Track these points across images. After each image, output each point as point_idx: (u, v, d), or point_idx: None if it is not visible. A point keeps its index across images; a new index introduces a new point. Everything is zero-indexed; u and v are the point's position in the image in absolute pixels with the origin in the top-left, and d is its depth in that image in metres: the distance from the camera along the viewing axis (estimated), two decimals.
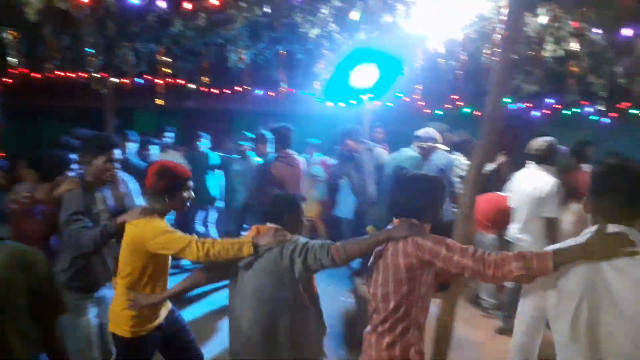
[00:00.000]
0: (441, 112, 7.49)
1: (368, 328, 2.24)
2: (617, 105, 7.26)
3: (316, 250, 2.27)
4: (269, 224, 2.50)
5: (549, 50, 4.02)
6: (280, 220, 2.49)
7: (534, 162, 4.15)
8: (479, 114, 2.74)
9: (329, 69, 5.47)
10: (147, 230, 2.47)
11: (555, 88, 5.54)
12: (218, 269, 2.54)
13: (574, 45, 3.79)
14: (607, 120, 7.83)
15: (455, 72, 4.52)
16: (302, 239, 2.40)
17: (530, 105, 7.38)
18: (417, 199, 2.17)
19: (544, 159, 4.06)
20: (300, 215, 2.57)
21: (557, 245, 1.80)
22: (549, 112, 7.54)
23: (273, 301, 2.37)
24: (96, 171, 2.77)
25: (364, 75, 5.56)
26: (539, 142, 4.11)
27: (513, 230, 4.27)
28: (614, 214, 1.67)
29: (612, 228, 1.65)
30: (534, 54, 4.00)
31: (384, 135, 6.33)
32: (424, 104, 6.90)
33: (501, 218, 4.56)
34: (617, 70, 4.10)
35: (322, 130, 6.79)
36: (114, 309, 2.63)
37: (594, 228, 1.70)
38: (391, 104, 7.08)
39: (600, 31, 3.64)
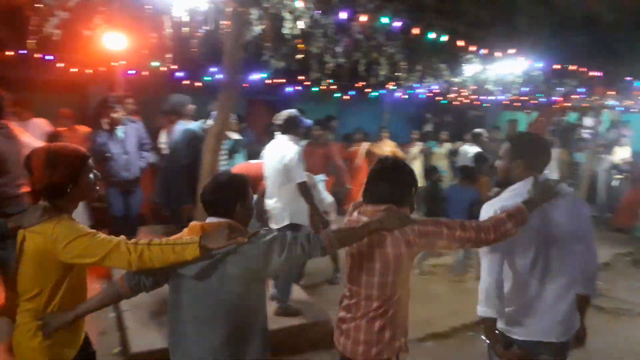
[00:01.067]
0: (201, 84, 7.42)
1: (353, 314, 2.20)
2: (356, 85, 8.34)
3: (303, 242, 1.97)
4: (213, 219, 2.03)
5: (287, 27, 4.26)
6: (229, 212, 2.02)
7: (279, 133, 4.42)
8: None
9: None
10: (55, 236, 1.86)
11: (302, 65, 5.94)
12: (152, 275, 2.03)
13: (304, 24, 4.11)
14: (348, 97, 8.91)
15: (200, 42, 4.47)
16: (274, 232, 2.02)
17: (284, 80, 7.87)
18: (400, 186, 2.18)
19: (287, 129, 4.35)
20: (251, 201, 2.15)
21: (510, 202, 2.21)
22: (300, 88, 8.18)
23: (246, 315, 2.04)
24: None
25: (115, 40, 5.13)
26: (282, 114, 4.40)
27: (267, 197, 4.50)
28: (533, 169, 2.31)
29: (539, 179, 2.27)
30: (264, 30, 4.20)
31: (136, 106, 5.94)
32: (181, 74, 6.72)
33: (257, 186, 4.76)
34: (338, 50, 4.61)
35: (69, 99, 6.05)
36: (20, 341, 1.98)
37: (529, 181, 2.28)
38: (146, 73, 6.69)
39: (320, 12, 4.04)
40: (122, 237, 1.94)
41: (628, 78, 6.44)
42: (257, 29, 4.63)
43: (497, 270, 2.23)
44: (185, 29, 4.09)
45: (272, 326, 2.56)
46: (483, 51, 5.31)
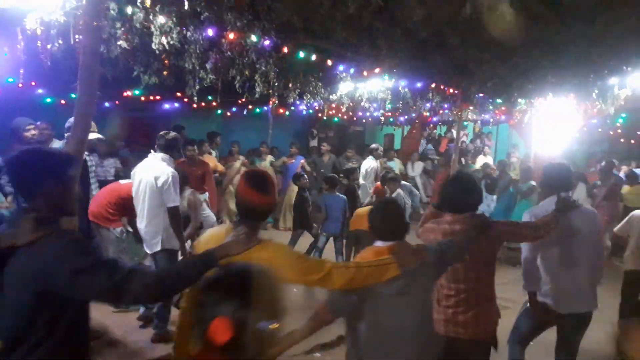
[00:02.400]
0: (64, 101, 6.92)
1: (465, 307, 2.64)
2: (240, 101, 8.34)
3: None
4: (385, 242, 2.28)
5: (156, 42, 4.17)
6: (401, 235, 2.32)
7: (157, 152, 4.24)
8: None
9: None
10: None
11: (179, 81, 5.81)
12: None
13: (172, 40, 4.05)
14: (229, 114, 8.89)
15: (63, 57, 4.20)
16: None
17: (159, 98, 7.63)
18: (474, 195, 2.75)
19: (166, 149, 4.20)
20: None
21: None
22: (178, 105, 7.99)
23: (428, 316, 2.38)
24: None
25: None
26: (167, 134, 4.26)
27: (138, 221, 4.28)
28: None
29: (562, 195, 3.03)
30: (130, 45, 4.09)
31: None
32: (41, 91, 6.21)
33: (125, 207, 4.54)
34: (208, 66, 4.61)
35: None
36: None
37: (553, 198, 3.07)
38: None
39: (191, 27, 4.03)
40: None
41: (480, 95, 7.21)
42: (124, 44, 4.49)
43: (534, 258, 3.13)
44: (38, 43, 3.82)
45: (151, 354, 2.43)
46: (351, 70, 5.63)
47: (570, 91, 6.65)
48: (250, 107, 8.90)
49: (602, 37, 4.16)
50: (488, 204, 7.78)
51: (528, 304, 3.27)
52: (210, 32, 4.12)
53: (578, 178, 6.96)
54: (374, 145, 8.75)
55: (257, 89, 5.19)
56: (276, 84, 5.12)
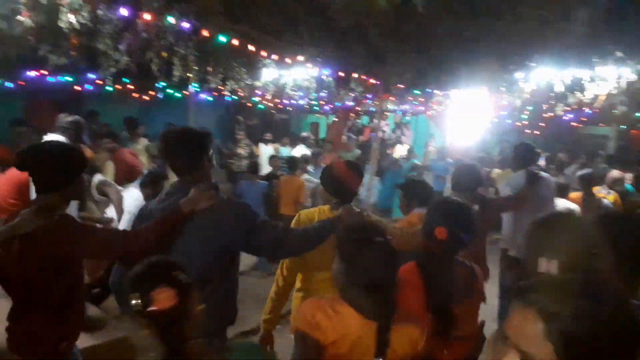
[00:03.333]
0: None
1: None
2: (157, 85, 8.00)
3: None
4: None
5: (64, 20, 3.91)
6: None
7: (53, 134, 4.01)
8: None
9: None
10: None
11: (93, 63, 5.49)
12: None
13: (82, 19, 3.83)
14: (148, 98, 8.53)
15: None
16: None
17: (70, 80, 7.16)
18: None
19: (62, 132, 4.00)
20: None
21: None
22: (91, 87, 7.55)
23: None
24: None
25: None
26: (61, 116, 4.04)
27: None
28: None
29: None
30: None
31: None
32: None
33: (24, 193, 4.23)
34: (121, 48, 4.39)
35: None
36: None
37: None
38: None
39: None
40: None
41: (400, 85, 7.45)
42: (27, 21, 4.16)
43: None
44: None
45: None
46: (274, 57, 5.59)
47: (482, 83, 7.05)
48: (170, 91, 8.57)
49: (508, 34, 4.46)
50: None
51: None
52: (124, 11, 3.91)
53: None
54: (304, 134, 9.06)
55: (176, 73, 5.01)
56: (195, 67, 4.97)
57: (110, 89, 7.09)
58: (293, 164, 6.65)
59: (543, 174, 4.39)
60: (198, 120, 9.31)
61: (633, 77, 5.56)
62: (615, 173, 5.89)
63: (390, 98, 9.38)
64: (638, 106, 6.56)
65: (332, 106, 11.53)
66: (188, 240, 2.18)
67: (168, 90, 8.19)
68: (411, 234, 2.54)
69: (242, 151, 9.48)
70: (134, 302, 1.54)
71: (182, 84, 6.69)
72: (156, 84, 7.78)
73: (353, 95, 8.49)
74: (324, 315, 1.69)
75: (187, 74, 5.00)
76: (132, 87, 7.62)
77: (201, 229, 2.18)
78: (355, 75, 6.76)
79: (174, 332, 1.55)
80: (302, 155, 7.92)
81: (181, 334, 1.56)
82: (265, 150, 9.70)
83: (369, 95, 8.89)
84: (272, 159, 8.09)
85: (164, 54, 4.52)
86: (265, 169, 8.04)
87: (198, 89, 7.68)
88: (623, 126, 12.72)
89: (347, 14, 4.09)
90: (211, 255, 2.19)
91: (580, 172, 5.80)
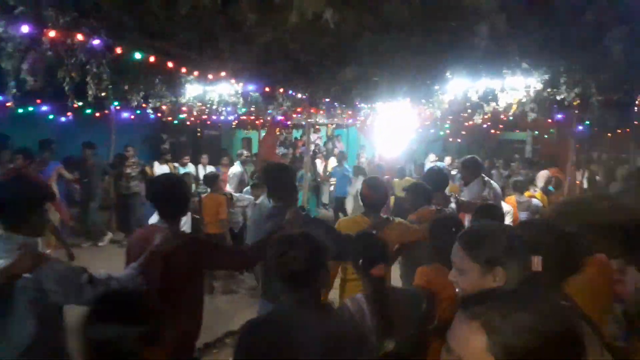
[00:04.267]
0: None
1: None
2: (75, 105, 7.59)
3: None
4: None
5: None
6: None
7: None
8: None
9: None
10: None
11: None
12: None
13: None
14: (64, 119, 8.08)
15: None
16: None
17: None
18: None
19: None
20: None
21: None
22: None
23: None
24: None
25: None
26: None
27: None
28: None
29: None
30: None
31: None
32: None
33: None
34: (24, 67, 4.14)
35: None
36: None
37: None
38: None
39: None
40: None
41: (326, 99, 7.56)
42: None
43: None
44: None
45: None
46: (196, 73, 5.49)
47: (403, 96, 7.28)
48: (88, 111, 8.16)
49: (421, 48, 4.64)
50: None
51: None
52: (25, 28, 3.69)
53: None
54: (239, 151, 9.01)
55: (90, 92, 4.77)
56: (110, 86, 4.76)
57: (21, 110, 6.64)
58: (211, 180, 6.42)
59: (493, 182, 4.92)
60: (120, 139, 8.94)
61: (539, 85, 5.96)
62: (544, 173, 7.54)
63: (320, 112, 9.49)
64: (545, 112, 7.01)
65: (262, 121, 11.48)
66: None
67: (87, 111, 7.78)
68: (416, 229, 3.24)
69: (130, 171, 8.51)
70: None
71: (99, 103, 6.39)
72: (71, 104, 7.37)
73: (281, 110, 8.51)
74: None
75: (102, 93, 4.79)
76: (45, 108, 7.18)
77: None
78: (281, 90, 6.77)
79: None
80: (211, 172, 7.44)
81: None
82: (160, 170, 8.78)
83: (299, 109, 8.94)
84: (186, 176, 7.84)
85: (74, 74, 4.29)
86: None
87: (117, 107, 7.37)
88: (536, 132, 13.61)
89: (263, 29, 4.09)
90: None
91: (513, 179, 7.14)
